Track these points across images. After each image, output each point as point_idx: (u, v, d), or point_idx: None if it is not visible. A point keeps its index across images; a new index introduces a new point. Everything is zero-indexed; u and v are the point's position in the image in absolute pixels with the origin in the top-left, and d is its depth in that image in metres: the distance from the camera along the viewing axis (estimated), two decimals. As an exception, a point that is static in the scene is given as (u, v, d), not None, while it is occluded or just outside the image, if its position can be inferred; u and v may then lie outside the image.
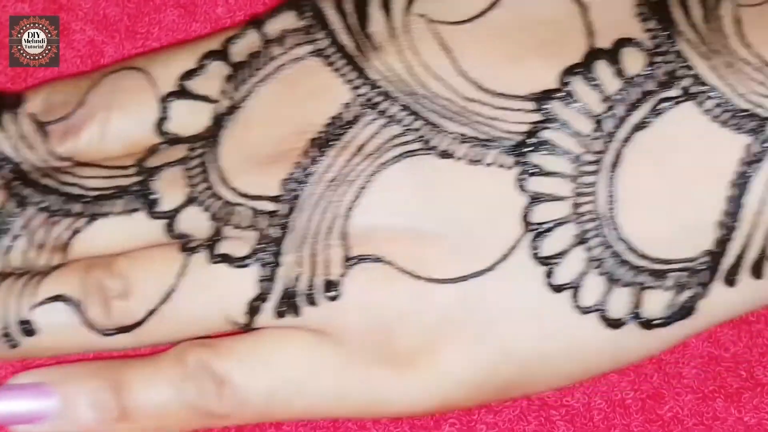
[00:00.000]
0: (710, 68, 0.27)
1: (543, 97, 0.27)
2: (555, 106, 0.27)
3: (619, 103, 0.27)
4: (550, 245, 0.27)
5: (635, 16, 0.28)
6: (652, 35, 0.27)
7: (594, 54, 0.27)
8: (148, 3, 0.33)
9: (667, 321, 0.27)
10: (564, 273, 0.27)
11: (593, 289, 0.27)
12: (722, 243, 0.27)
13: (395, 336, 0.28)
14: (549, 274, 0.27)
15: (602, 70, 0.27)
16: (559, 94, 0.27)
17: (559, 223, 0.27)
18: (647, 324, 0.27)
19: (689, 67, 0.27)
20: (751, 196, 0.26)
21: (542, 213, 0.27)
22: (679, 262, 0.27)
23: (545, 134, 0.27)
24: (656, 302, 0.27)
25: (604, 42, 0.28)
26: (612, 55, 0.27)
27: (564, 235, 0.27)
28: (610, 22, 0.28)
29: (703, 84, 0.26)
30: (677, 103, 0.27)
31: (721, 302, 0.27)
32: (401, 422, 0.32)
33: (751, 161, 0.26)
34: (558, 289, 0.27)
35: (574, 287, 0.27)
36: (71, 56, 0.33)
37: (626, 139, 0.27)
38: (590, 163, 0.27)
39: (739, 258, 0.27)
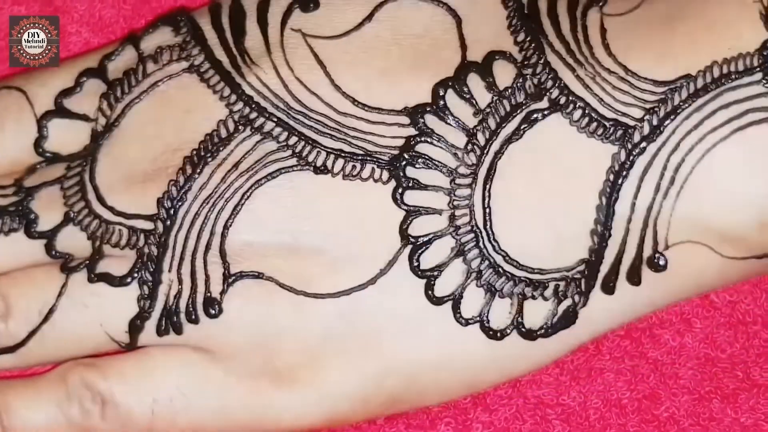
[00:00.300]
0: (576, 79, 0.27)
1: (417, 111, 0.28)
2: (429, 120, 0.28)
3: (491, 116, 0.28)
4: (428, 258, 0.28)
5: (507, 28, 0.28)
6: (521, 47, 0.28)
7: (466, 67, 0.28)
8: (144, 5, 0.33)
9: (549, 330, 0.28)
10: (444, 285, 0.28)
11: (474, 300, 0.28)
12: (597, 251, 0.27)
13: (277, 351, 0.28)
14: (429, 287, 0.28)
15: (474, 83, 0.28)
16: (432, 108, 0.28)
17: (437, 236, 0.28)
18: (530, 334, 0.28)
19: (556, 79, 0.27)
20: (622, 203, 0.27)
21: (420, 226, 0.28)
22: (557, 272, 0.27)
23: (420, 148, 0.28)
24: (537, 312, 0.28)
25: (477, 55, 0.28)
26: (483, 68, 0.28)
27: (442, 248, 0.28)
28: (483, 36, 0.28)
29: (571, 95, 0.27)
30: (546, 114, 0.27)
31: (601, 310, 0.28)
32: (396, 421, 0.32)
33: (619, 169, 0.27)
34: (438, 301, 0.28)
35: (455, 299, 0.28)
36: (65, 59, 0.32)
37: (499, 152, 0.27)
38: (465, 176, 0.28)
39: (616, 265, 0.27)
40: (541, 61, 0.27)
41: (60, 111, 0.30)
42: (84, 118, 0.30)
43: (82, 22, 0.33)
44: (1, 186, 0.30)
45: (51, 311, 0.29)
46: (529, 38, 0.28)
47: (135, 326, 0.29)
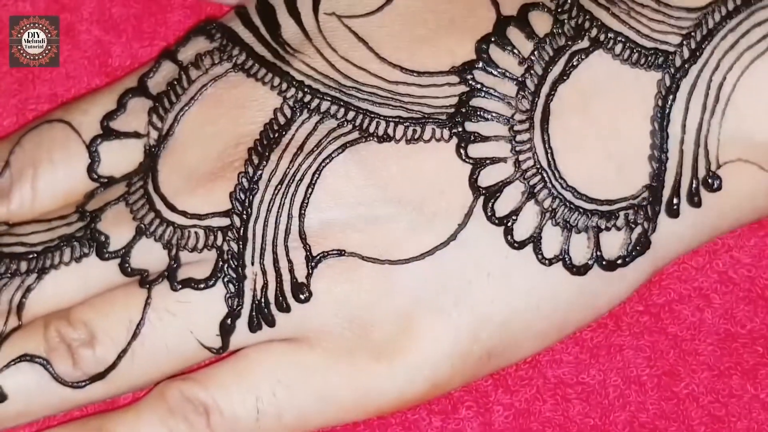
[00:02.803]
0: (612, 16, 0.28)
1: (464, 69, 0.29)
2: (478, 75, 0.29)
3: (536, 62, 0.29)
4: (502, 205, 0.28)
5: None
6: None
7: (503, 21, 0.29)
8: (154, 3, 0.33)
9: (627, 259, 0.29)
10: (521, 229, 0.28)
11: (552, 240, 0.28)
12: (657, 176, 0.28)
13: (372, 325, 0.28)
14: (508, 232, 0.28)
15: (514, 35, 0.29)
16: (479, 64, 0.29)
17: (506, 182, 0.28)
18: (610, 265, 0.28)
19: (593, 19, 0.28)
20: (673, 126, 0.28)
21: (488, 177, 0.28)
22: (624, 200, 0.28)
23: (474, 102, 0.29)
24: (613, 243, 0.29)
25: (511, 11, 0.29)
26: (520, 20, 0.29)
27: (513, 194, 0.28)
28: None
29: (609, 31, 0.28)
30: (589, 53, 0.28)
31: (670, 234, 0.29)
32: (419, 408, 0.32)
33: (666, 94, 0.28)
34: (519, 245, 0.28)
35: (535, 241, 0.28)
36: (78, 57, 0.33)
37: (550, 94, 0.28)
38: (522, 122, 0.29)
39: (676, 188, 0.28)
40: (576, 5, 0.29)
41: (108, 133, 0.30)
42: (135, 135, 0.30)
43: (92, 20, 0.33)
44: (63, 216, 0.30)
45: (139, 326, 0.28)
46: None
47: (226, 327, 0.29)
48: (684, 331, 0.31)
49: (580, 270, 0.29)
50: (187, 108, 0.30)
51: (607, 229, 0.29)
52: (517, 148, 0.29)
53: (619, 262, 0.29)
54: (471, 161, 0.28)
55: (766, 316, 0.31)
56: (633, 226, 0.29)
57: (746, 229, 0.31)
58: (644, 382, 0.31)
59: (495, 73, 0.29)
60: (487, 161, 0.29)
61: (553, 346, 0.32)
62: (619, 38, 0.28)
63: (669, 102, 0.28)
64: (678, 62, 0.28)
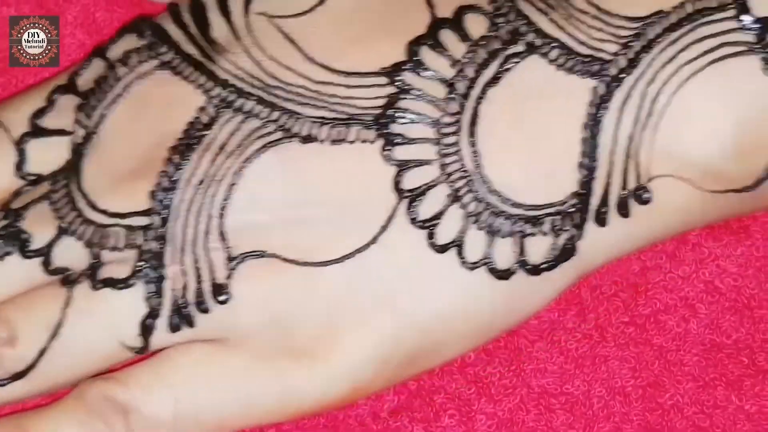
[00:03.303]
0: (550, 21, 0.28)
1: (394, 70, 0.29)
2: (407, 77, 0.29)
3: (468, 65, 0.28)
4: (426, 208, 0.28)
5: None
6: (491, 1, 0.29)
7: (437, 24, 0.29)
8: (137, 7, 0.33)
9: (552, 264, 0.28)
10: (445, 233, 0.28)
11: (476, 243, 0.28)
12: (586, 184, 0.28)
13: (292, 328, 0.28)
14: (431, 236, 0.28)
15: (447, 37, 0.29)
16: (408, 66, 0.28)
17: (431, 185, 0.28)
18: (535, 270, 0.28)
19: (531, 24, 0.28)
20: (604, 135, 0.28)
21: (413, 179, 0.28)
22: (551, 206, 0.28)
23: (402, 104, 0.28)
24: (538, 248, 0.28)
25: (447, 13, 0.29)
26: (455, 23, 0.29)
27: (437, 197, 0.28)
28: None
29: (546, 36, 0.28)
30: (523, 57, 0.28)
31: (598, 242, 0.29)
32: (401, 416, 0.31)
33: (600, 102, 0.28)
34: (442, 249, 0.28)
35: (458, 245, 0.28)
36: (62, 60, 0.33)
37: (480, 97, 0.28)
38: (450, 124, 0.28)
39: (605, 197, 0.28)
40: (513, 10, 0.28)
41: (36, 131, 0.30)
42: (61, 133, 0.30)
43: (76, 24, 0.33)
44: None
45: (59, 326, 0.28)
46: None
47: (146, 326, 0.29)
48: (669, 342, 0.31)
49: (504, 274, 0.28)
50: (113, 105, 0.30)
51: (533, 234, 0.28)
52: (443, 151, 0.28)
53: (544, 267, 0.29)
54: (395, 163, 0.28)
55: (751, 326, 0.30)
56: (559, 232, 0.28)
57: (733, 239, 0.31)
58: (629, 393, 0.31)
59: (425, 75, 0.29)
60: (412, 164, 0.28)
61: (537, 356, 0.32)
62: (555, 44, 0.28)
63: (601, 110, 0.27)
64: (614, 71, 0.27)
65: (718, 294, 0.31)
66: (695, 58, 0.27)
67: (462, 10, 0.29)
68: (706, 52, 0.27)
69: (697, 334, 0.31)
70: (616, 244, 0.29)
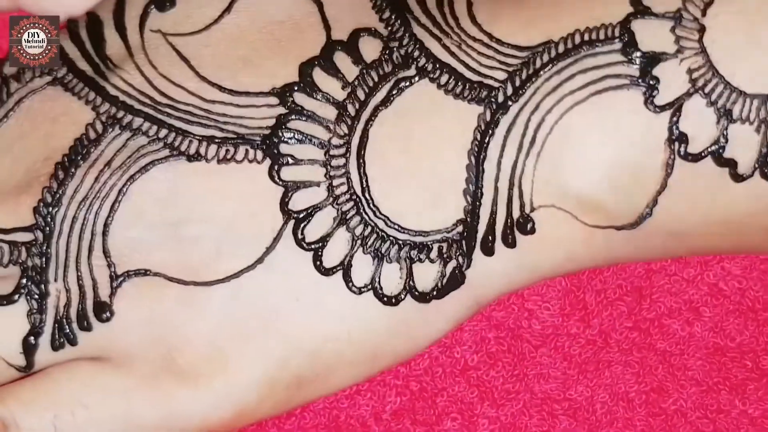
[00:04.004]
0: (443, 47, 0.28)
1: (285, 90, 0.28)
2: (298, 98, 0.29)
3: (359, 88, 0.29)
4: (313, 230, 0.28)
5: (371, 8, 0.29)
6: (387, 23, 0.29)
7: (331, 46, 0.29)
8: None
9: (440, 291, 0.28)
10: (331, 256, 0.28)
11: (363, 268, 0.28)
12: (472, 211, 0.28)
13: (176, 348, 0.28)
14: (317, 258, 0.28)
15: (341, 59, 0.29)
16: (300, 87, 0.28)
17: (318, 207, 0.28)
18: (422, 297, 0.28)
19: (423, 48, 0.28)
20: (489, 162, 0.28)
21: (300, 200, 0.28)
22: (438, 233, 0.28)
23: (292, 125, 0.28)
24: (427, 275, 0.28)
25: (342, 35, 0.29)
26: (349, 44, 0.29)
27: (325, 219, 0.28)
28: (347, 16, 0.29)
29: (437, 61, 0.28)
30: (414, 81, 0.28)
31: (487, 271, 0.28)
32: (403, 418, 0.32)
33: (485, 128, 0.28)
34: (327, 272, 0.28)
35: (344, 268, 0.28)
36: None
37: (370, 120, 0.28)
38: (339, 146, 0.28)
39: (491, 226, 0.28)
40: (408, 34, 0.28)
41: None
42: None
43: None
44: None
45: None
46: (394, 15, 0.29)
47: (29, 344, 0.28)
48: (673, 346, 0.31)
49: (392, 300, 0.28)
50: (4, 120, 0.30)
51: (420, 260, 0.28)
52: (332, 173, 0.28)
53: (432, 294, 0.28)
54: (283, 184, 0.28)
55: (755, 329, 0.31)
56: (447, 259, 0.28)
57: (737, 241, 0.31)
58: (632, 399, 0.31)
59: (316, 96, 0.29)
60: (300, 185, 0.28)
61: (541, 361, 0.32)
62: (445, 69, 0.28)
63: (487, 137, 0.28)
64: (500, 98, 0.27)
65: (722, 297, 0.31)
66: (578, 89, 0.27)
67: (357, 33, 0.29)
68: (589, 84, 0.27)
69: (701, 338, 0.31)
70: (506, 274, 0.29)
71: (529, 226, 0.28)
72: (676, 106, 0.26)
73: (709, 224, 0.28)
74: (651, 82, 0.27)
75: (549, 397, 0.31)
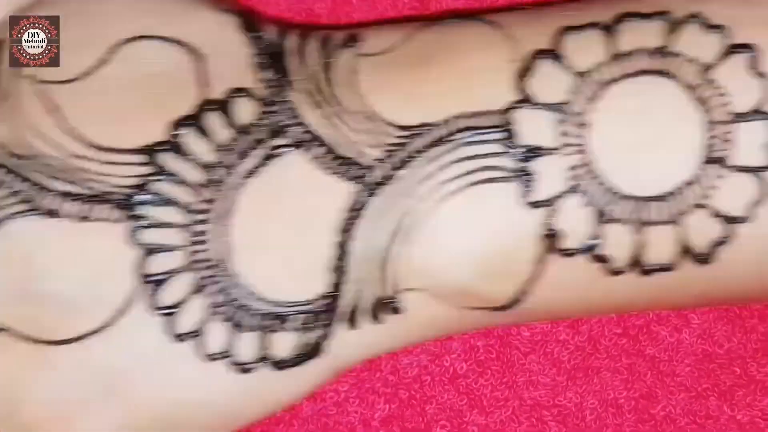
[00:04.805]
0: (321, 117, 0.27)
1: (152, 149, 0.28)
2: (165, 158, 0.28)
3: (230, 152, 0.28)
4: (167, 295, 0.28)
5: (252, 66, 0.28)
6: (266, 85, 0.28)
7: (205, 106, 0.28)
8: None
9: (296, 360, 0.28)
10: (186, 322, 0.28)
11: (218, 335, 0.28)
12: (336, 287, 0.27)
13: (22, 405, 0.28)
14: (170, 324, 0.28)
15: (213, 120, 0.28)
16: (168, 146, 0.28)
17: (175, 272, 0.28)
18: (278, 364, 0.28)
19: (299, 117, 0.27)
20: (357, 242, 0.27)
21: (157, 264, 0.28)
22: (300, 305, 0.28)
23: (155, 186, 0.28)
24: (284, 343, 0.28)
25: (219, 93, 0.28)
26: (223, 105, 0.28)
27: (181, 285, 0.28)
28: (227, 74, 0.28)
29: (312, 133, 0.27)
30: (286, 151, 0.27)
31: (347, 343, 0.28)
32: (392, 426, 0.32)
33: (354, 208, 0.27)
34: (180, 338, 0.28)
35: (198, 335, 0.28)
36: None
37: (237, 187, 0.28)
38: (202, 211, 0.28)
39: (356, 302, 0.28)
40: (284, 100, 0.28)
41: None
42: None
43: None
44: None
45: None
46: (273, 77, 0.28)
47: None
48: (662, 353, 0.31)
49: (246, 368, 0.28)
50: None
51: (279, 330, 0.28)
52: (192, 239, 0.28)
53: (288, 363, 0.28)
54: (141, 246, 0.28)
55: (743, 336, 0.31)
56: (307, 330, 0.28)
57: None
58: (621, 405, 0.31)
59: (184, 157, 0.28)
60: (159, 248, 0.28)
61: (530, 368, 0.32)
62: (319, 142, 0.27)
63: (355, 217, 0.27)
64: (372, 178, 0.27)
65: (710, 304, 0.32)
66: (453, 178, 0.26)
67: (233, 93, 0.28)
68: (464, 174, 0.26)
69: (690, 344, 0.31)
70: (369, 344, 0.28)
71: (395, 306, 0.28)
72: (552, 203, 0.26)
73: (581, 311, 0.28)
74: (528, 177, 0.26)
75: (538, 404, 0.32)
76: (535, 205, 0.26)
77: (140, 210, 0.28)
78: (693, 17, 0.26)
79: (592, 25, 0.26)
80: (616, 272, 0.27)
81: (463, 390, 0.32)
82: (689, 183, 0.26)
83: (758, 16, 0.27)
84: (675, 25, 0.26)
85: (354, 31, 0.28)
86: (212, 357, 0.28)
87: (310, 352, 0.28)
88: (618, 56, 0.26)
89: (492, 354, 0.32)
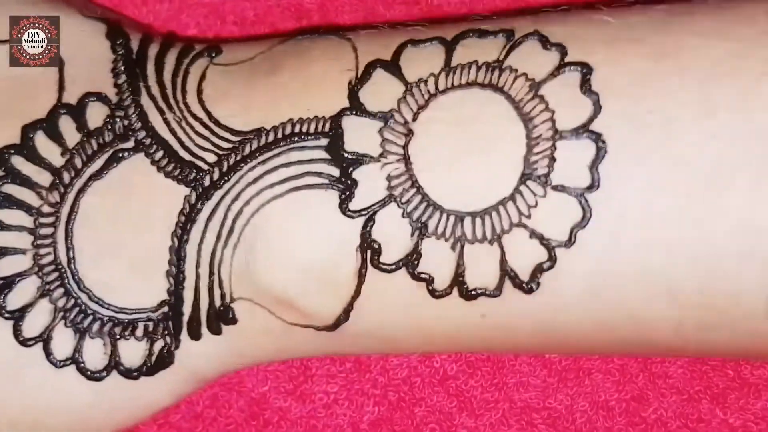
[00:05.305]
0: (164, 121, 0.28)
1: (3, 152, 0.28)
2: (16, 161, 0.28)
3: (77, 155, 0.28)
4: (15, 299, 0.28)
5: (110, 71, 0.29)
6: (119, 90, 0.28)
7: (58, 108, 0.28)
8: None
9: (148, 370, 0.28)
10: (32, 326, 0.28)
11: (65, 341, 0.28)
12: (175, 293, 0.27)
13: None
14: (16, 328, 0.28)
15: (65, 124, 0.28)
16: (20, 149, 0.28)
17: (22, 276, 0.28)
18: (128, 374, 0.28)
19: (145, 121, 0.28)
20: (191, 247, 0.27)
21: (4, 267, 0.28)
22: (142, 312, 0.28)
23: (5, 189, 0.28)
24: (134, 352, 0.28)
25: (74, 97, 0.28)
26: (76, 109, 0.28)
27: (28, 288, 0.28)
28: (85, 78, 0.29)
29: (156, 136, 0.28)
30: (131, 154, 0.28)
31: (197, 354, 0.28)
32: (381, 428, 0.32)
33: (189, 211, 0.27)
34: (26, 342, 0.28)
35: (44, 340, 0.28)
36: None
37: (82, 190, 0.28)
38: (48, 215, 0.28)
39: (196, 310, 0.27)
40: (134, 104, 0.28)
41: None
42: None
43: None
44: None
45: None
46: (127, 81, 0.28)
47: None
48: (654, 354, 0.31)
49: (95, 375, 0.28)
50: None
51: (125, 337, 0.28)
52: (38, 242, 0.28)
53: (141, 371, 0.28)
54: None
55: (737, 338, 0.31)
56: (154, 338, 0.28)
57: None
58: (612, 407, 0.31)
59: (34, 161, 0.28)
60: (5, 251, 0.28)
61: (520, 369, 0.32)
62: (161, 145, 0.28)
63: (190, 221, 0.27)
64: (207, 182, 0.27)
65: (704, 305, 0.31)
66: (279, 182, 0.26)
67: (86, 97, 0.28)
68: (290, 178, 0.26)
69: None
70: (217, 356, 0.28)
71: (229, 315, 0.27)
72: (370, 213, 0.26)
73: (413, 334, 0.27)
74: (348, 185, 0.26)
75: (528, 406, 0.31)
76: (356, 213, 0.26)
77: None
78: (531, 35, 0.26)
79: (434, 39, 0.27)
80: (439, 294, 0.26)
81: (452, 392, 0.32)
82: (508, 200, 0.25)
83: (595, 35, 0.26)
84: (514, 43, 0.26)
85: (216, 43, 0.29)
86: (60, 363, 0.28)
87: (159, 362, 0.28)
88: (451, 69, 0.26)
89: (482, 355, 0.32)
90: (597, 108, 0.25)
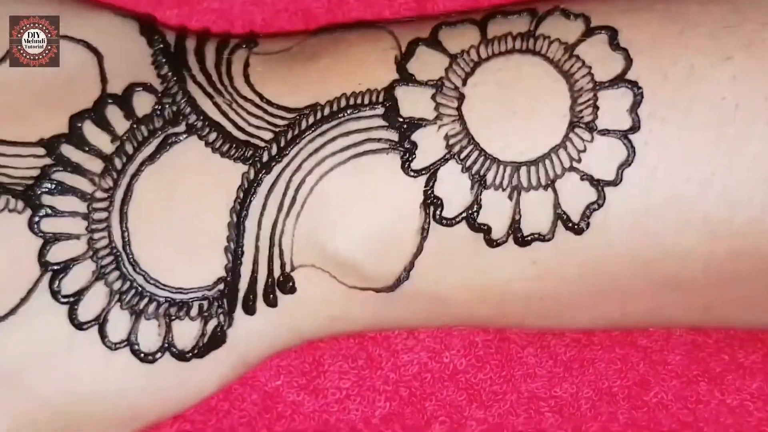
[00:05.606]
0: (214, 105, 0.29)
1: (52, 141, 0.29)
2: (65, 149, 0.29)
3: (128, 142, 0.29)
4: (69, 284, 0.28)
5: (151, 63, 0.30)
6: (163, 80, 0.29)
7: (104, 98, 0.29)
8: None
9: (200, 351, 0.28)
10: (87, 310, 0.28)
11: (120, 323, 0.28)
12: (233, 269, 0.28)
13: None
14: (72, 312, 0.28)
15: (113, 113, 0.29)
16: (69, 138, 0.29)
17: (76, 261, 0.29)
18: (181, 355, 0.28)
19: (195, 106, 0.29)
20: (251, 220, 0.28)
21: (59, 252, 0.29)
22: (198, 291, 0.28)
23: (56, 176, 0.29)
24: (188, 333, 0.29)
25: (117, 89, 0.29)
26: (122, 98, 0.29)
27: (83, 273, 0.28)
28: (126, 71, 0.30)
29: (207, 119, 0.29)
30: (183, 138, 0.29)
31: (249, 331, 0.29)
32: (392, 423, 0.33)
33: (248, 187, 0.28)
34: (82, 326, 0.28)
35: (101, 323, 0.28)
36: None
37: (135, 174, 0.29)
38: (102, 200, 0.29)
39: (252, 284, 0.28)
40: (181, 91, 0.29)
41: None
42: None
43: None
44: None
45: None
46: (171, 71, 0.29)
47: None
48: (654, 343, 0.32)
49: (149, 358, 0.28)
50: None
51: (180, 318, 0.28)
52: (93, 227, 0.29)
53: (192, 353, 0.29)
54: (41, 235, 0.29)
55: (730, 329, 0.32)
56: (208, 318, 0.28)
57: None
58: (615, 393, 0.32)
59: (84, 149, 0.29)
60: (60, 237, 0.29)
61: (527, 361, 0.33)
62: (214, 127, 0.28)
63: (250, 196, 0.28)
64: (265, 158, 0.28)
65: (700, 297, 0.33)
66: (339, 151, 0.28)
67: (131, 87, 0.29)
68: (350, 146, 0.28)
69: (680, 335, 0.32)
70: (268, 335, 0.29)
71: (289, 285, 0.28)
72: (431, 171, 0.27)
73: (467, 289, 0.28)
74: (408, 147, 0.27)
75: (535, 396, 0.32)
76: (417, 173, 0.27)
77: (41, 200, 0.29)
78: (555, 10, 0.28)
79: (465, 21, 0.29)
80: (496, 243, 0.28)
81: (462, 385, 0.33)
82: (559, 147, 0.27)
83: (611, 7, 0.28)
84: (540, 17, 0.28)
85: (251, 35, 0.30)
86: (114, 346, 0.28)
87: (214, 342, 0.29)
88: (489, 41, 0.28)
89: (491, 348, 0.33)
90: (629, 61, 0.27)
